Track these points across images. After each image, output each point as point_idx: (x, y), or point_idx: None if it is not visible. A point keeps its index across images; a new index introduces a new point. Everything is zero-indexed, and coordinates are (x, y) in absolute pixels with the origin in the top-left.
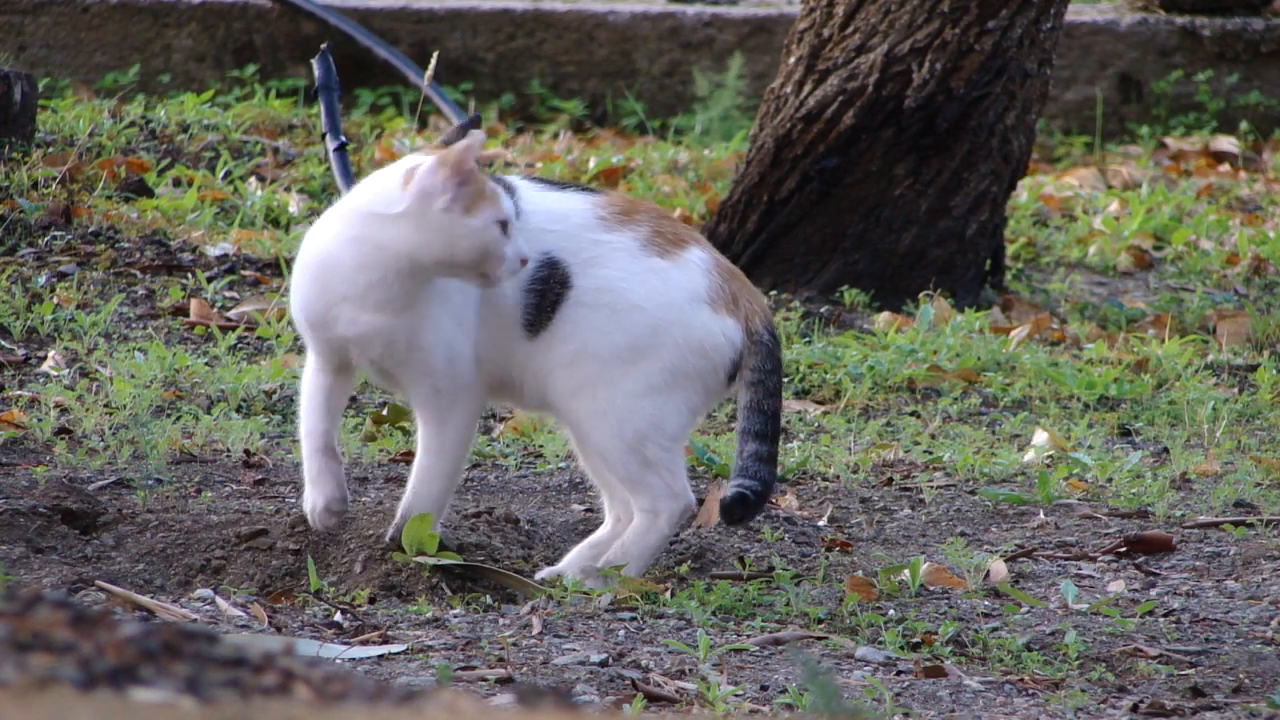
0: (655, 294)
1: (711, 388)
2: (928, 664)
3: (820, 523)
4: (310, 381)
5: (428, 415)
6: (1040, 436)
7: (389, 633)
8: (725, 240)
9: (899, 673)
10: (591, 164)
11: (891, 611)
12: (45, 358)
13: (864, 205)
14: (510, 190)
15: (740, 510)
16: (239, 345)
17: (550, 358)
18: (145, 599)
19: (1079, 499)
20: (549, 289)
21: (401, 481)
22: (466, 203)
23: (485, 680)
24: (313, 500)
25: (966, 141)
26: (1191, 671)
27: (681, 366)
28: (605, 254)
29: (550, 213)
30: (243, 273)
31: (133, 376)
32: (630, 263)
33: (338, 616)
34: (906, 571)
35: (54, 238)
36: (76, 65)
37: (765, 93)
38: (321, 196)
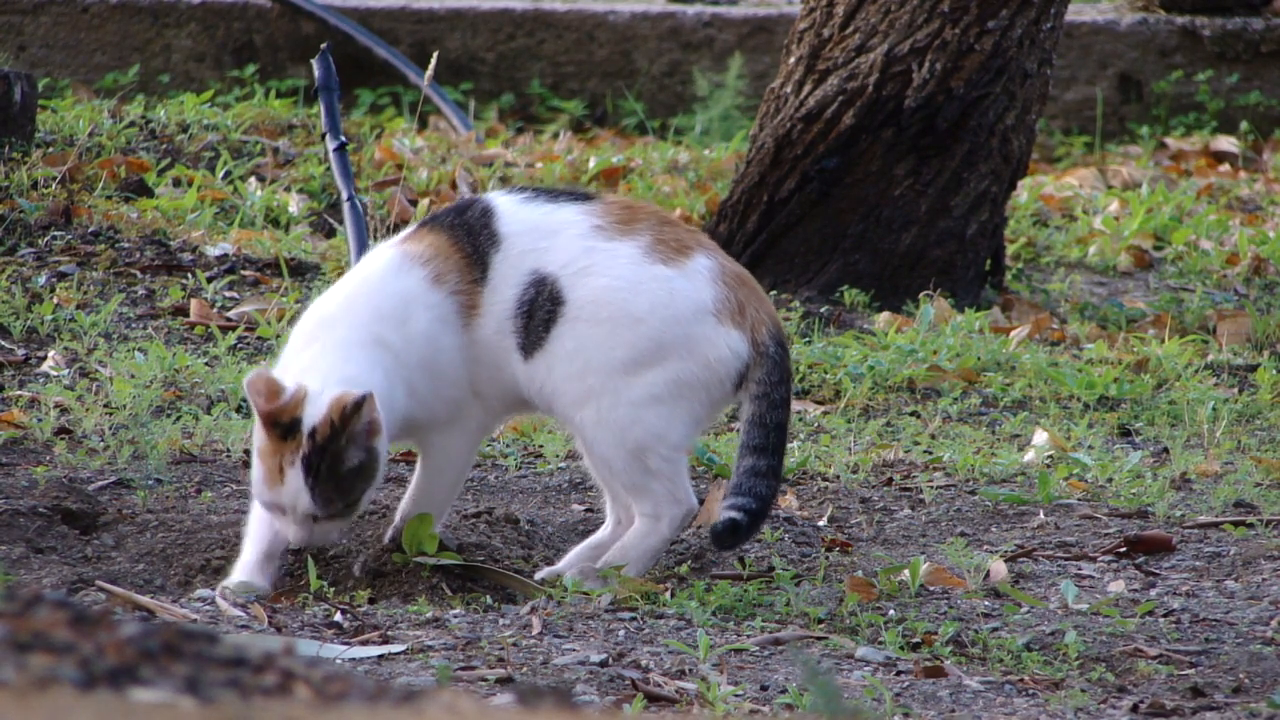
0: (659, 306)
1: (716, 399)
2: (928, 664)
3: (820, 523)
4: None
5: (422, 439)
6: (1040, 436)
7: (389, 633)
8: (725, 240)
9: (899, 673)
10: (591, 164)
11: (891, 611)
12: (45, 358)
13: (864, 205)
14: (486, 212)
15: (730, 538)
16: (239, 345)
17: (553, 375)
18: (145, 599)
19: (1079, 499)
20: (537, 308)
21: (402, 482)
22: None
23: (485, 680)
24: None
25: (966, 141)
26: (1191, 671)
27: (685, 378)
28: (603, 263)
29: (538, 229)
30: (242, 273)
31: (133, 376)
32: (632, 271)
33: (338, 616)
34: (906, 571)
35: (54, 238)
36: (76, 65)
37: (765, 93)
38: (321, 196)
